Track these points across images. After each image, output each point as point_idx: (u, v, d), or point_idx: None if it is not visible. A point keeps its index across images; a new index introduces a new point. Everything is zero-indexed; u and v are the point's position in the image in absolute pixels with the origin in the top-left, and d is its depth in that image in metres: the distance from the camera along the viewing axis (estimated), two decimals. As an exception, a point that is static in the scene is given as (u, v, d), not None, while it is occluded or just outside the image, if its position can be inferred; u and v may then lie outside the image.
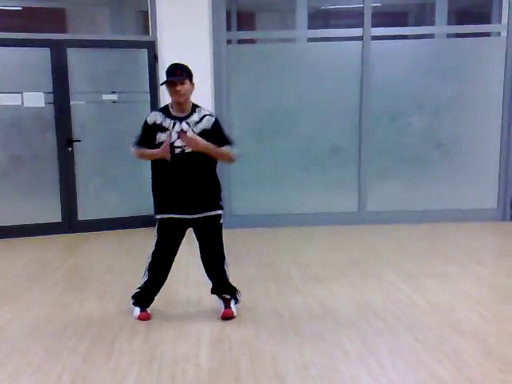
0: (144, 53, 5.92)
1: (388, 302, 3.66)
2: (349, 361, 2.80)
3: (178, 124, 3.20)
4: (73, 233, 5.87)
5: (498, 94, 6.03)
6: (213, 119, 3.26)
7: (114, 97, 5.91)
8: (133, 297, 3.49)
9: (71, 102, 5.77)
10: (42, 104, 5.70)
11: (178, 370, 2.73)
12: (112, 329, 3.27)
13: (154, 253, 3.42)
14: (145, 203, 6.12)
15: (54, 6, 6.42)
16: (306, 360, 2.81)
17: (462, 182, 6.17)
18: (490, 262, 4.70)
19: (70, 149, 5.81)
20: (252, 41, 6.43)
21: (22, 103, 5.64)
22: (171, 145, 3.16)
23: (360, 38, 5.89)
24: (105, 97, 5.88)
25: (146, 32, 6.08)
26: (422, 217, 6.07)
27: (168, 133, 3.18)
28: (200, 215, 3.27)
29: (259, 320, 3.39)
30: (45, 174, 5.81)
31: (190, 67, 3.28)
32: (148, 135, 3.25)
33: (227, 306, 3.37)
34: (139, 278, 4.25)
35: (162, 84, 3.25)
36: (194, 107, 3.28)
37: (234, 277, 3.47)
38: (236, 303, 3.44)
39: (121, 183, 6.06)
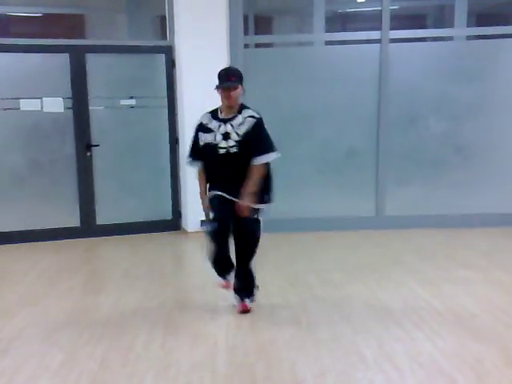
0: (162, 58, 5.96)
1: (407, 307, 3.61)
2: (366, 367, 2.76)
3: (222, 126, 3.33)
4: (91, 237, 5.92)
5: (519, 96, 5.94)
6: (253, 121, 3.32)
7: (132, 102, 5.95)
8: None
9: (90, 107, 5.82)
10: (61, 109, 5.76)
11: (194, 375, 2.71)
12: (129, 334, 3.27)
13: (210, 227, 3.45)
14: (163, 208, 6.18)
15: (72, 12, 6.49)
16: (323, 366, 2.78)
17: (482, 187, 6.08)
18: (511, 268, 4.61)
19: (88, 153, 5.85)
20: (269, 45, 6.41)
21: (42, 108, 5.70)
22: (216, 146, 3.30)
23: (378, 41, 5.85)
24: (123, 102, 5.93)
25: (164, 37, 6.12)
26: (441, 221, 5.99)
27: (213, 134, 3.33)
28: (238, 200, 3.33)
29: (276, 325, 3.36)
30: (64, 178, 5.87)
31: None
32: (196, 138, 3.46)
33: (242, 299, 3.52)
34: (156, 283, 4.29)
35: (215, 89, 3.33)
36: (241, 109, 3.38)
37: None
38: (251, 300, 3.53)
39: (139, 188, 6.09)
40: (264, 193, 3.38)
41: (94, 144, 5.86)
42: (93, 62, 5.78)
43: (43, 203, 5.84)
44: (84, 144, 5.83)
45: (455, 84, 5.95)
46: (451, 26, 6.48)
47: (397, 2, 6.35)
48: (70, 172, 5.86)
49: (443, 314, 3.48)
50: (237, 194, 3.32)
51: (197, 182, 3.55)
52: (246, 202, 3.29)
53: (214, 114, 3.43)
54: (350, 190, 6.11)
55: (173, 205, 6.20)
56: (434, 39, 6.10)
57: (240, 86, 3.36)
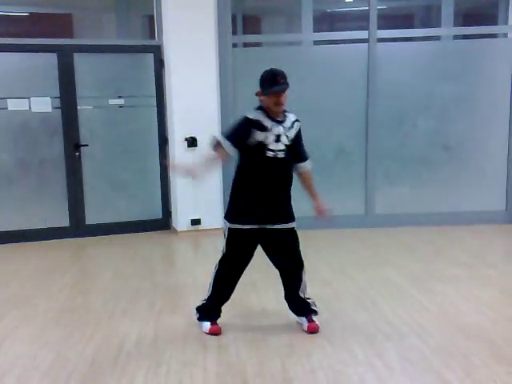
0: (150, 57, 5.95)
1: (395, 305, 3.64)
2: (357, 364, 2.79)
3: (275, 127, 3.04)
4: (80, 237, 5.90)
5: (505, 96, 6.01)
6: (299, 125, 3.18)
7: (121, 101, 5.94)
8: (197, 311, 3.34)
9: (78, 107, 5.80)
10: (49, 109, 5.73)
11: (185, 374, 2.72)
12: (119, 333, 3.27)
13: (220, 268, 3.22)
14: (152, 207, 6.18)
15: (60, 11, 6.46)
16: (314, 363, 2.80)
17: (470, 185, 6.15)
18: (499, 265, 4.66)
19: (77, 153, 5.83)
20: (258, 44, 6.43)
21: (30, 108, 5.67)
22: (265, 146, 3.02)
23: (366, 41, 5.89)
24: (111, 101, 5.91)
25: (152, 36, 6.11)
26: (430, 219, 6.05)
27: (265, 134, 3.01)
28: (279, 226, 3.13)
29: (266, 323, 3.38)
30: (52, 178, 5.84)
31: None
32: (246, 131, 3.02)
33: (309, 319, 3.24)
34: (146, 283, 4.28)
35: (258, 95, 3.08)
36: (285, 111, 3.16)
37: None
38: (316, 315, 3.29)
39: (128, 187, 6.08)
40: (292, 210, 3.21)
41: (82, 144, 5.84)
42: (81, 61, 5.76)
43: (32, 203, 5.80)
44: (72, 144, 5.81)
45: (442, 83, 6.01)
46: (438, 25, 6.55)
47: (384, 2, 6.40)
48: (58, 172, 5.83)
49: (432, 311, 3.52)
50: (273, 217, 3.09)
51: (205, 161, 3.14)
52: (323, 204, 3.23)
53: (265, 112, 3.06)
54: (340, 189, 6.14)
55: (162, 204, 6.20)
56: (422, 39, 6.15)
57: (288, 87, 3.11)
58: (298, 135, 3.16)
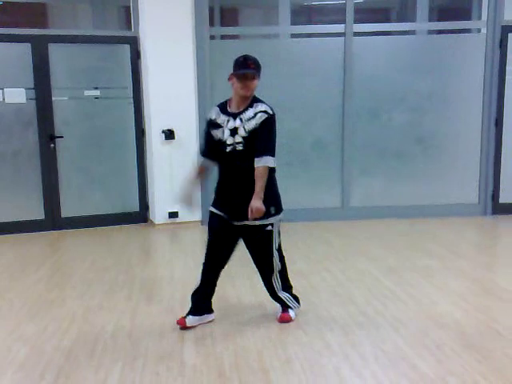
0: (126, 48, 5.90)
1: (370, 296, 3.70)
2: (331, 354, 2.83)
3: (231, 121, 3.02)
4: (56, 230, 5.84)
5: (478, 90, 6.11)
6: (264, 117, 2.99)
7: (97, 92, 5.88)
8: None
9: (53, 98, 5.73)
10: (23, 100, 5.65)
11: (162, 366, 2.73)
12: (95, 326, 3.26)
13: (204, 257, 3.24)
14: (129, 200, 6.15)
15: (34, 0, 6.35)
16: (290, 354, 2.84)
17: (444, 178, 6.25)
18: (471, 256, 4.77)
19: (52, 145, 5.76)
20: (235, 36, 6.42)
21: (3, 99, 5.58)
22: (223, 142, 3.02)
23: (342, 35, 5.93)
24: (87, 92, 5.85)
25: (129, 27, 6.05)
26: (405, 212, 6.14)
27: (221, 130, 3.04)
28: (243, 223, 3.08)
29: (243, 315, 3.41)
30: (27, 170, 5.77)
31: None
32: (208, 132, 3.13)
33: (283, 310, 3.29)
34: (123, 276, 4.27)
35: (229, 79, 3.03)
36: (253, 102, 3.05)
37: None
38: (291, 309, 3.31)
39: (104, 180, 6.03)
40: (269, 205, 3.04)
41: (57, 135, 5.77)
42: (56, 52, 5.68)
43: (6, 195, 5.73)
44: (47, 135, 5.74)
45: (417, 77, 6.09)
46: (414, 20, 6.62)
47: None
48: (33, 164, 5.75)
49: (405, 301, 3.59)
50: (236, 214, 3.07)
51: (191, 171, 3.24)
52: (255, 202, 2.94)
53: (222, 107, 3.11)
54: (316, 182, 6.20)
55: (140, 197, 6.17)
56: (397, 33, 6.21)
57: (258, 76, 3.05)
58: (260, 127, 2.98)
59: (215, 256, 3.20)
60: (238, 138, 3.01)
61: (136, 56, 5.91)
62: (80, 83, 5.83)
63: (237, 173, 3.07)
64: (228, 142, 3.02)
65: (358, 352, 2.84)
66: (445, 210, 6.18)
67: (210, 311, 3.30)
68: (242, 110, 3.04)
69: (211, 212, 3.21)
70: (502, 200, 6.27)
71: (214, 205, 3.20)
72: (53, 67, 5.67)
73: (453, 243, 5.13)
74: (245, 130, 3.00)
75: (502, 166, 6.23)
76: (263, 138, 3.01)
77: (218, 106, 3.15)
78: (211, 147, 3.13)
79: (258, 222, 3.06)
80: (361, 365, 2.71)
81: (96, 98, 5.89)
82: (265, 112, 3.01)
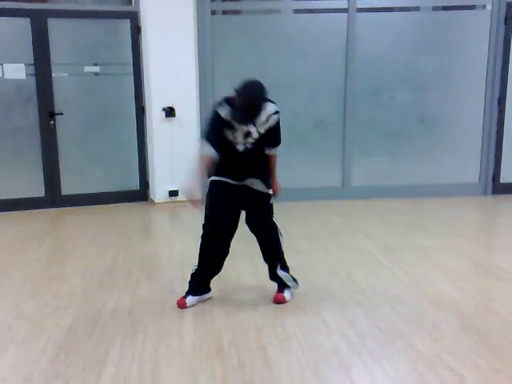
0: (126, 23, 5.83)
1: (369, 274, 3.72)
2: (329, 332, 2.85)
3: (245, 126, 2.99)
4: (56, 208, 5.85)
5: (481, 69, 6.06)
6: (277, 118, 3.04)
7: (97, 69, 5.84)
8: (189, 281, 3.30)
9: (53, 74, 5.69)
10: (23, 76, 5.61)
11: (161, 342, 2.76)
12: (95, 303, 3.29)
13: (203, 235, 3.20)
14: (130, 178, 6.15)
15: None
16: (288, 332, 2.86)
17: (445, 157, 6.23)
18: (471, 236, 4.77)
19: (52, 122, 5.74)
20: (237, 12, 6.33)
21: (3, 75, 5.54)
22: (235, 144, 3.04)
23: (346, 10, 5.85)
24: (87, 69, 5.81)
25: (129, 2, 5.98)
26: (406, 191, 6.13)
27: (234, 133, 3.01)
28: (248, 184, 3.13)
29: (242, 293, 3.43)
30: (27, 147, 5.76)
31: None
32: (218, 127, 3.02)
33: (279, 290, 3.30)
34: (123, 253, 4.29)
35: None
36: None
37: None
38: (288, 289, 3.33)
39: (105, 157, 6.02)
40: (268, 182, 3.21)
41: (57, 112, 5.74)
42: (55, 27, 5.62)
43: (6, 173, 5.73)
44: (47, 112, 5.71)
45: (421, 55, 6.03)
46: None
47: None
48: (33, 141, 5.74)
49: (403, 280, 3.60)
50: (243, 180, 3.13)
51: (197, 163, 3.11)
52: (275, 188, 3.22)
53: (232, 104, 2.97)
54: (317, 161, 6.18)
55: (140, 175, 6.17)
56: (401, 9, 6.12)
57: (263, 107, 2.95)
58: (274, 126, 3.05)
59: (218, 230, 3.17)
60: (251, 140, 3.05)
61: (136, 31, 5.85)
62: (80, 59, 5.79)
63: (244, 160, 3.10)
64: (241, 143, 3.05)
65: (356, 330, 2.87)
66: (445, 190, 6.17)
67: (209, 290, 3.32)
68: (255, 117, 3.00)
69: (213, 181, 3.17)
70: (502, 180, 6.26)
71: (217, 174, 3.15)
72: (52, 43, 5.62)
73: (452, 223, 5.13)
74: (259, 133, 3.03)
75: (503, 146, 6.20)
76: (276, 133, 3.11)
77: (227, 102, 2.99)
78: (220, 143, 3.04)
79: (262, 189, 3.16)
80: (358, 343, 2.73)
81: (96, 74, 5.85)
82: (275, 113, 3.03)
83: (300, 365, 2.51)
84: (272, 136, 3.10)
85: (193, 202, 3.11)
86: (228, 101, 2.99)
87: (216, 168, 3.12)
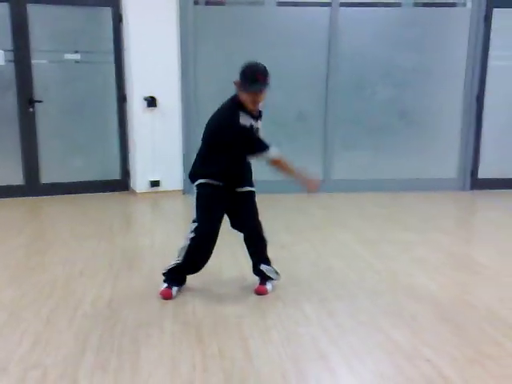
0: (108, 11, 5.77)
1: (348, 267, 3.75)
2: (309, 324, 2.87)
3: (254, 123, 3.06)
4: (36, 196, 5.78)
5: (461, 65, 6.13)
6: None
7: (77, 56, 5.76)
8: (165, 273, 3.26)
9: (32, 61, 5.60)
10: (1, 62, 5.52)
11: (141, 333, 2.75)
12: (75, 293, 3.26)
13: (194, 232, 3.15)
14: (110, 167, 6.09)
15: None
16: (268, 323, 2.88)
17: (425, 152, 6.30)
18: (449, 230, 4.85)
19: (31, 109, 5.65)
20: (220, 2, 6.29)
21: (-19, 61, 5.45)
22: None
23: (329, 4, 5.86)
24: (67, 56, 5.73)
25: (111, -10, 5.90)
26: (386, 186, 6.19)
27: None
28: (242, 189, 3.21)
29: (224, 284, 3.44)
30: (5, 134, 5.67)
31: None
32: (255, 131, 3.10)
33: (261, 282, 3.32)
34: (104, 244, 4.25)
35: (243, 91, 2.96)
36: None
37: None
38: (270, 280, 3.34)
39: (85, 146, 5.96)
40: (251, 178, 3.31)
41: (36, 100, 5.66)
42: (35, 12, 5.53)
43: (-17, 160, 5.64)
44: (26, 99, 5.63)
45: (402, 50, 6.07)
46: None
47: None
48: (12, 128, 5.66)
49: (382, 273, 3.64)
50: (234, 183, 3.18)
51: (281, 163, 3.31)
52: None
53: (246, 111, 3.00)
54: (299, 154, 6.15)
55: (121, 164, 6.12)
56: (383, 5, 6.15)
57: (267, 87, 2.99)
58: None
59: (213, 226, 3.17)
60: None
61: (118, 19, 5.78)
62: (60, 46, 5.70)
63: (245, 160, 3.21)
64: None
65: (335, 322, 2.89)
66: (425, 184, 6.25)
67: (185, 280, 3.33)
68: (258, 110, 3.09)
69: (206, 183, 3.12)
70: (480, 175, 6.36)
71: (211, 178, 3.12)
72: (32, 29, 5.53)
73: (432, 217, 5.20)
74: (258, 129, 3.11)
75: (481, 142, 6.29)
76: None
77: (239, 109, 2.99)
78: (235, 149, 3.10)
79: (251, 189, 3.26)
80: (337, 335, 2.75)
81: (76, 62, 5.77)
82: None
83: (280, 356, 2.53)
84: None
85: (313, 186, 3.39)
86: (239, 106, 2.99)
87: (217, 171, 3.10)
